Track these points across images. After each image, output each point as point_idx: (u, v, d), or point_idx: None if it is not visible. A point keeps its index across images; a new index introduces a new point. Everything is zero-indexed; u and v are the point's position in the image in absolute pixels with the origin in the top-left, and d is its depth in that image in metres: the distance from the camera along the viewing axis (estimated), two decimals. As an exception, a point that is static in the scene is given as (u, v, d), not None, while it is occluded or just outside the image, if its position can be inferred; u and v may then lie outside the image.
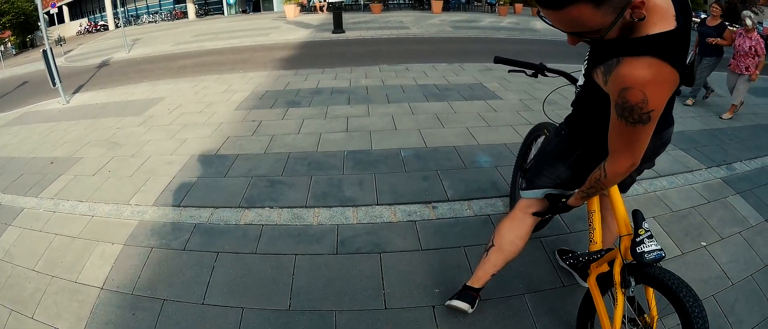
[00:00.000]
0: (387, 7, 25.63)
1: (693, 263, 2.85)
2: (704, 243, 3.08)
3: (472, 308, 2.16)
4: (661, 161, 3.50)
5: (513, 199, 3.17)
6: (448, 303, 2.20)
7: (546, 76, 2.55)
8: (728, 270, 2.82)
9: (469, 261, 2.67)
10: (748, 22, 6.19)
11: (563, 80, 2.42)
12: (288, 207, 3.26)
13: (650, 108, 1.36)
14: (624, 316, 1.75)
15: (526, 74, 2.55)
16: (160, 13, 31.33)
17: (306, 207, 3.26)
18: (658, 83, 1.34)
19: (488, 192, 3.49)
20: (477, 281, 2.16)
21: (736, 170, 4.28)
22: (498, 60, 2.57)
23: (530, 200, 2.09)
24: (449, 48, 12.00)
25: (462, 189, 3.51)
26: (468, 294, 2.17)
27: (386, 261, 2.67)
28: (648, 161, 1.91)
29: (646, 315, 1.75)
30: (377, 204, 3.29)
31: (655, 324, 1.72)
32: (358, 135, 4.69)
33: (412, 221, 3.10)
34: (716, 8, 6.66)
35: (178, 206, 3.34)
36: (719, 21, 6.58)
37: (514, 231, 2.08)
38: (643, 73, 1.33)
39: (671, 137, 1.93)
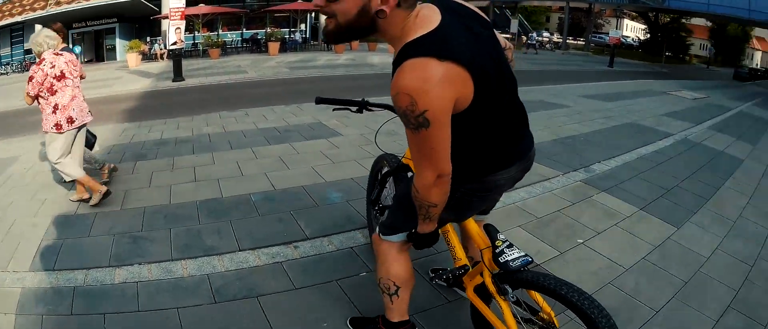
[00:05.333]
0: (225, 52, 24.89)
1: (575, 259, 2.88)
2: (581, 240, 3.11)
3: None
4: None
5: (372, 229, 3.05)
6: None
7: (370, 110, 2.45)
8: (616, 258, 2.85)
9: (346, 293, 2.69)
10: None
11: (390, 113, 2.28)
12: (156, 262, 3.18)
13: (421, 109, 1.25)
14: (517, 319, 1.70)
15: (351, 111, 2.46)
16: (11, 65, 27.54)
17: (173, 260, 3.20)
18: (422, 80, 1.24)
19: (345, 226, 3.53)
20: (398, 315, 2.04)
21: (595, 171, 4.47)
22: (319, 101, 2.41)
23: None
24: (287, 89, 12.11)
25: (318, 227, 3.57)
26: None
27: (266, 304, 2.64)
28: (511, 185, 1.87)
29: (541, 313, 1.71)
30: (240, 250, 3.30)
31: (554, 319, 1.68)
32: (206, 184, 4.62)
33: (277, 262, 3.12)
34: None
35: (53, 270, 3.11)
36: (64, 45, 4.40)
37: (400, 265, 1.95)
38: (405, 77, 1.26)
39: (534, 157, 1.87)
